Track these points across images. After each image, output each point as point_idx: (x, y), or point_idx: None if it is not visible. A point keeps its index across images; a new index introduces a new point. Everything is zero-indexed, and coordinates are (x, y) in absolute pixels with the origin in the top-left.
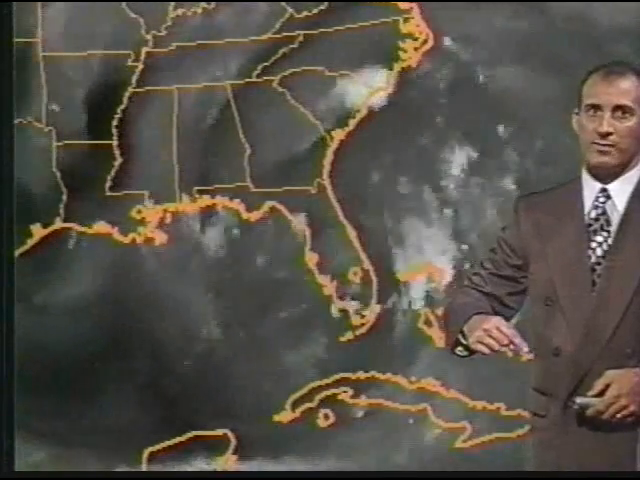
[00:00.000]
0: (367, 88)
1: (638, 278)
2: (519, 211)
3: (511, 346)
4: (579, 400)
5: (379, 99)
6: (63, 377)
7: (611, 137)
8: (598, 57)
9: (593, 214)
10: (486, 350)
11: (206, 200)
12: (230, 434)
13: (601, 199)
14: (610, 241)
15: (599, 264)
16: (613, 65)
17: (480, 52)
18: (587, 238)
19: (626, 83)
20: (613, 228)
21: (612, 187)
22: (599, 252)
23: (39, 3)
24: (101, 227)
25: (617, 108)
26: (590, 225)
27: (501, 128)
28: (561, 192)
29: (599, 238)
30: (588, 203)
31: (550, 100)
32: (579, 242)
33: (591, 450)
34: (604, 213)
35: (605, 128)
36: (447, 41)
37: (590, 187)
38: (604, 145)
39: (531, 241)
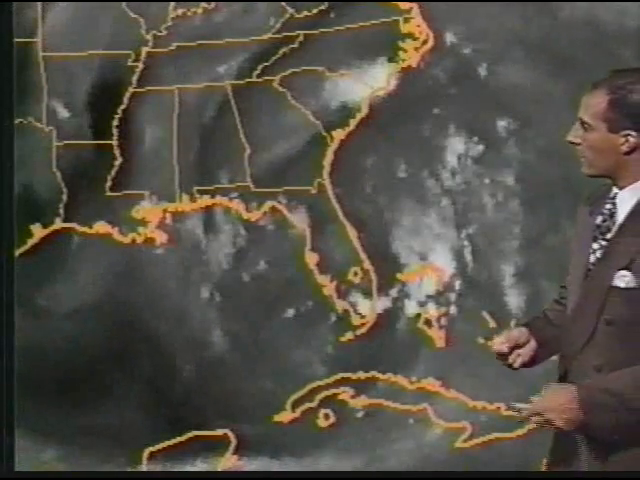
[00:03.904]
0: (367, 88)
1: (604, 293)
2: (580, 209)
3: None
4: (516, 404)
5: (379, 99)
6: (63, 377)
7: (579, 147)
8: (604, 55)
9: (599, 219)
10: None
11: (206, 200)
12: (230, 434)
13: (608, 205)
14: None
15: (590, 270)
16: (604, 78)
17: (482, 49)
18: (591, 243)
19: (592, 98)
20: (610, 236)
21: (621, 194)
22: (592, 259)
23: (39, 3)
24: (101, 227)
25: (581, 121)
26: (594, 230)
27: (503, 124)
28: (604, 193)
29: (595, 245)
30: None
31: (553, 96)
32: (586, 246)
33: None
34: (605, 221)
35: (568, 137)
36: (449, 38)
37: (614, 191)
38: (581, 155)
39: (576, 240)
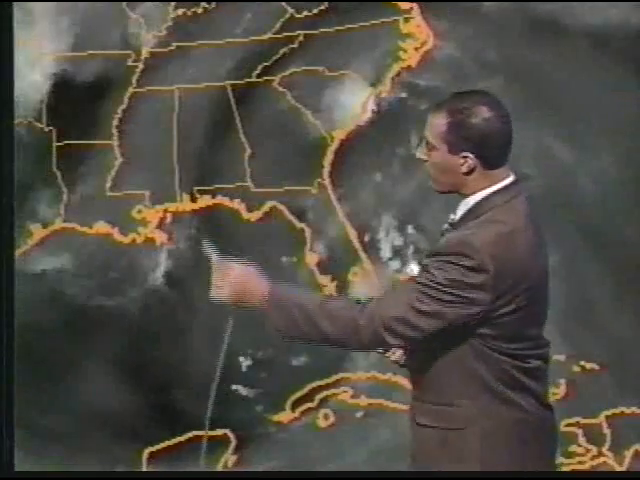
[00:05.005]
0: (367, 88)
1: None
2: None
3: None
4: (207, 246)
5: (379, 99)
6: (64, 377)
7: (426, 164)
8: (604, 55)
9: (444, 227)
10: None
11: (206, 200)
12: (230, 434)
13: (452, 215)
14: None
15: None
16: (446, 99)
17: (482, 49)
18: None
19: (434, 119)
20: None
21: (462, 202)
22: None
23: (39, 3)
24: (101, 227)
25: (425, 140)
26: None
27: None
28: None
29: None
30: None
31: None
32: None
33: None
34: (448, 227)
35: (416, 154)
36: (448, 40)
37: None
38: (427, 171)
39: None
